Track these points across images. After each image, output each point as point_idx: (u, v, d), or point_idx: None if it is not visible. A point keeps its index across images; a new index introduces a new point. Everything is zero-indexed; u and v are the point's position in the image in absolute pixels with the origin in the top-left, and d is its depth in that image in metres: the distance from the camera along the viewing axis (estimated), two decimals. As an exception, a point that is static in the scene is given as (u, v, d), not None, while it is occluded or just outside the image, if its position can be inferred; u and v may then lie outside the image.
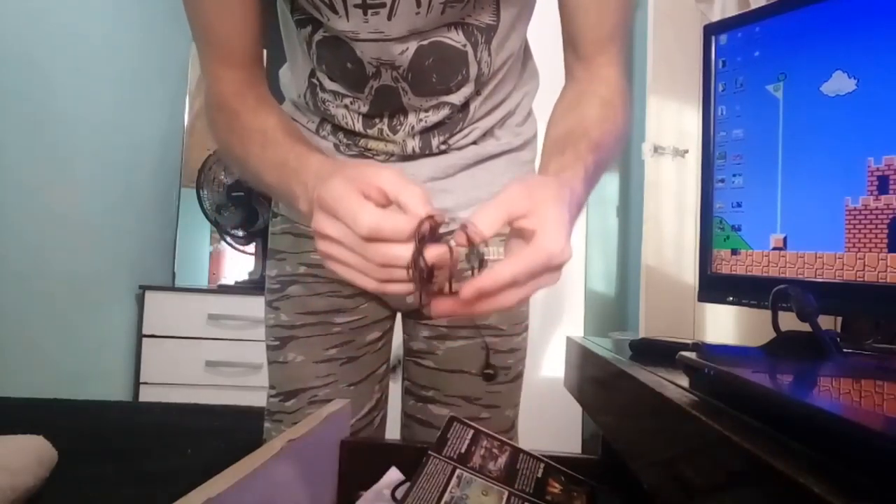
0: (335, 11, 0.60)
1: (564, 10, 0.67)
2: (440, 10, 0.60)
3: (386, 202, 0.45)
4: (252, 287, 2.26)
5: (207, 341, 2.16)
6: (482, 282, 0.43)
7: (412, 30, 0.62)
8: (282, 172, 0.58)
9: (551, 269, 0.46)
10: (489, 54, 0.67)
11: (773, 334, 0.49)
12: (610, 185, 2.70)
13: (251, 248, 2.43)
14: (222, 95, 0.67)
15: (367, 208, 0.44)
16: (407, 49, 0.63)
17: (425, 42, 0.63)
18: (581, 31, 0.67)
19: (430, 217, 0.44)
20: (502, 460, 0.63)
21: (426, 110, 0.69)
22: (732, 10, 1.76)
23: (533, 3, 0.70)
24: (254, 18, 0.66)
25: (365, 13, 0.60)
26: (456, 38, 0.64)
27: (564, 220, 0.47)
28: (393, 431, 0.88)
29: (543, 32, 0.91)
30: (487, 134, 0.74)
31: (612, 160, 0.65)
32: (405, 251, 0.43)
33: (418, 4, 0.60)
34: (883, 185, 0.53)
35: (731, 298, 0.66)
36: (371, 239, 0.44)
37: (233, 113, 0.66)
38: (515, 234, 0.48)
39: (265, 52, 0.72)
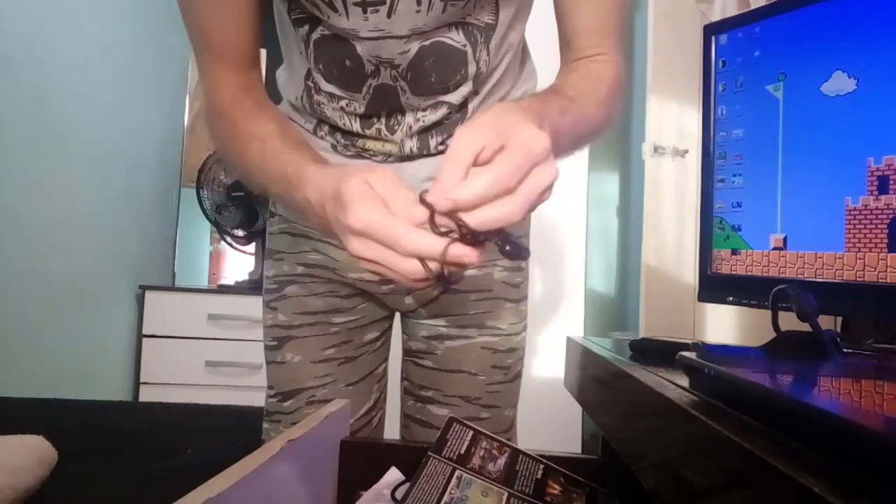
0: (335, 9, 0.60)
1: (559, 4, 0.67)
2: (441, 8, 0.60)
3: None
4: (252, 287, 2.26)
5: (207, 341, 2.16)
6: (459, 193, 0.42)
7: (413, 29, 0.62)
8: (283, 185, 0.58)
9: (537, 162, 0.44)
10: (488, 53, 0.67)
11: (773, 334, 0.49)
12: (610, 185, 2.70)
13: (251, 248, 2.43)
14: (221, 102, 0.67)
15: (405, 231, 0.44)
16: (409, 50, 0.63)
17: (427, 42, 0.63)
18: (576, 26, 0.67)
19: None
20: (502, 461, 0.63)
21: (424, 110, 0.69)
22: (732, 10, 1.76)
23: (531, 1, 0.71)
24: (250, 20, 0.66)
25: (364, 11, 0.60)
26: (456, 38, 0.64)
27: (527, 118, 0.46)
28: (392, 432, 0.88)
29: (542, 32, 0.91)
30: (486, 134, 0.74)
31: (589, 122, 0.63)
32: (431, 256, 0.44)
33: (418, 3, 0.60)
34: (883, 185, 0.53)
35: (731, 298, 0.66)
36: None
37: (231, 120, 0.66)
38: None
39: (265, 52, 0.72)
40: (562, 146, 0.55)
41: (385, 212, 0.45)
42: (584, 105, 0.61)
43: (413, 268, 0.44)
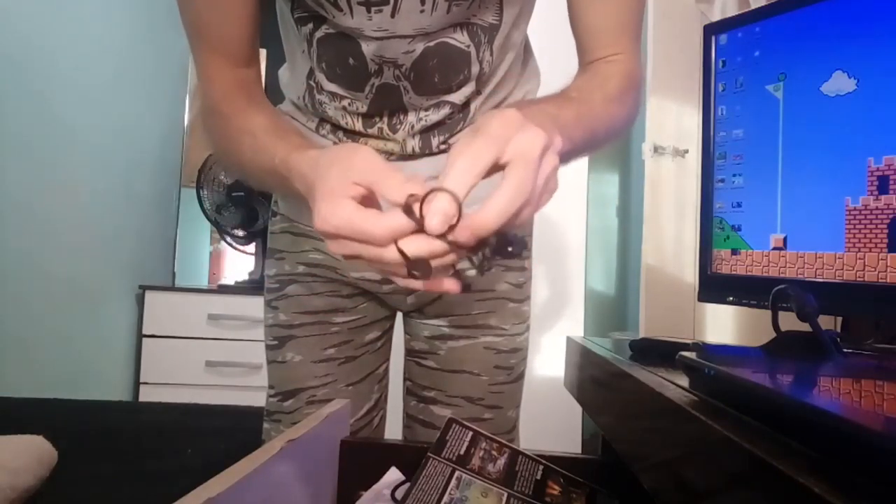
0: (339, 8, 0.60)
1: (573, 5, 0.67)
2: (445, 9, 0.60)
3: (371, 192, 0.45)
4: (252, 287, 2.26)
5: (207, 341, 2.16)
6: (480, 226, 0.43)
7: (418, 29, 0.62)
8: (276, 177, 0.57)
9: (538, 165, 0.44)
10: (491, 53, 0.67)
11: (773, 334, 0.49)
12: (610, 185, 2.70)
13: (251, 248, 2.43)
14: (214, 99, 0.67)
15: (374, 223, 0.43)
16: (414, 50, 0.63)
17: (432, 43, 0.63)
18: (589, 28, 0.66)
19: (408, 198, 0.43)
20: (501, 462, 0.63)
21: (426, 109, 0.69)
22: (732, 10, 1.76)
23: (533, 0, 0.70)
24: (248, 15, 0.66)
25: (368, 10, 0.60)
26: (460, 39, 0.64)
27: (527, 124, 0.44)
28: (394, 432, 0.88)
29: (544, 31, 0.91)
30: (487, 133, 0.74)
31: (598, 119, 0.62)
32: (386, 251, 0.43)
33: (422, 3, 0.59)
34: (883, 185, 0.53)
35: (731, 298, 0.66)
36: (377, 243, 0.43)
37: (224, 117, 0.66)
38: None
39: (265, 51, 0.72)
40: (575, 146, 0.55)
41: (352, 209, 0.44)
42: (588, 101, 0.61)
43: (395, 255, 0.43)
